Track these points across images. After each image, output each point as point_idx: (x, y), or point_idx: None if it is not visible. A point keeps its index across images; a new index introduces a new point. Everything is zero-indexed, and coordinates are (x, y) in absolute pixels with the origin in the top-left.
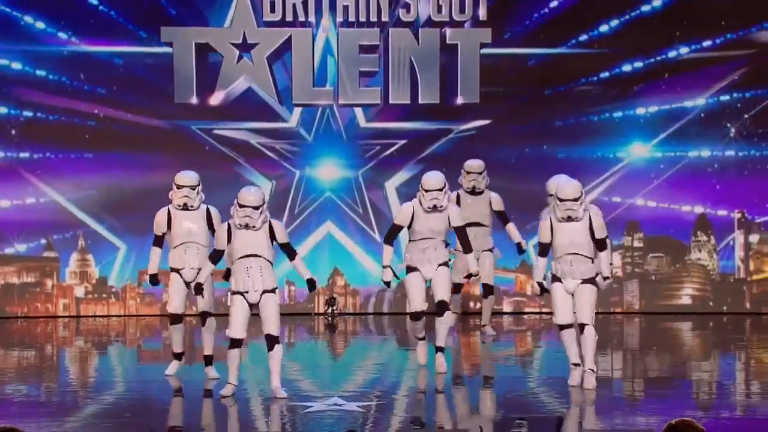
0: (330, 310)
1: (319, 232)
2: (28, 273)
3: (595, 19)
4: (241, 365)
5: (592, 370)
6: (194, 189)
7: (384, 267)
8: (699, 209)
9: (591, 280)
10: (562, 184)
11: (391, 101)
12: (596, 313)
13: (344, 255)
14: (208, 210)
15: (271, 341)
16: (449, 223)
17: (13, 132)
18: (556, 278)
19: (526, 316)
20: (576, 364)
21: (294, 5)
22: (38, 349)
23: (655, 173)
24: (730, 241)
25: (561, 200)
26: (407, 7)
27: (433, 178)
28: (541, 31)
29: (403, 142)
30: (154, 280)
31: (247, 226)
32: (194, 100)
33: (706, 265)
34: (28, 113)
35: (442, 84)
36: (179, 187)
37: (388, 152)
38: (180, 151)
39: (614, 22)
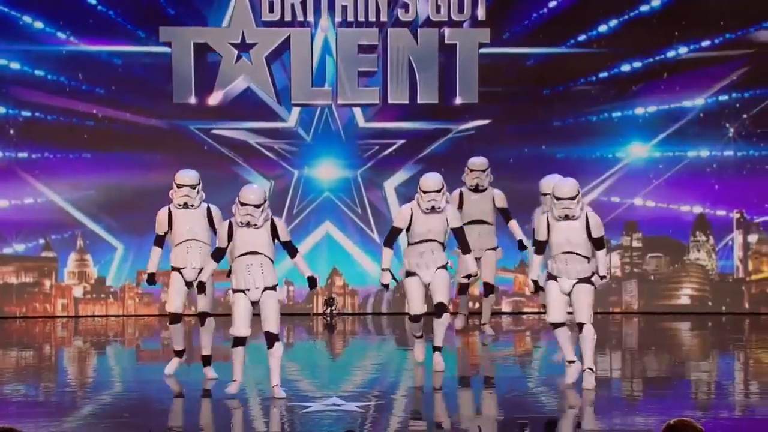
0: (329, 310)
1: (318, 232)
2: (27, 273)
3: (593, 19)
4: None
5: (591, 370)
6: (194, 188)
7: (383, 270)
8: (698, 209)
9: (587, 280)
10: (559, 183)
11: (389, 101)
12: (595, 313)
13: (343, 255)
14: (208, 208)
15: (271, 339)
16: (448, 224)
17: (12, 132)
18: (551, 276)
19: (525, 316)
20: (571, 361)
21: (293, 5)
22: (37, 349)
23: (654, 173)
24: (728, 241)
25: (558, 199)
26: (406, 7)
27: (431, 180)
28: (539, 31)
29: (401, 142)
30: (152, 279)
31: (248, 224)
32: (193, 99)
33: (705, 265)
34: (26, 113)
35: (441, 84)
36: (179, 186)
37: (386, 152)
38: (178, 151)
39: (613, 22)
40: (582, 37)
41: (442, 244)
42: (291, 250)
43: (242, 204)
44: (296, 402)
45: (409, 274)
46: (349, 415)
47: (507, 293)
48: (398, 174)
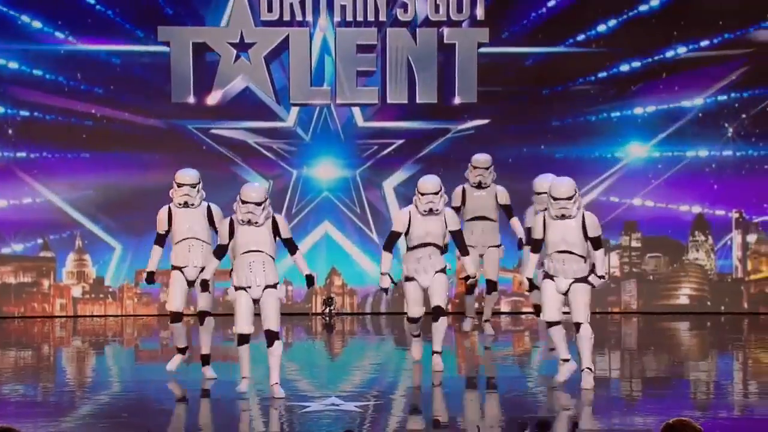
0: (327, 310)
1: (317, 232)
2: (25, 273)
3: (592, 19)
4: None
5: (590, 369)
6: (195, 187)
7: (382, 274)
8: (697, 209)
9: (584, 279)
10: (556, 183)
11: (388, 101)
12: (594, 313)
13: (342, 255)
14: (209, 207)
15: (271, 337)
16: (446, 227)
17: (10, 132)
18: (547, 276)
19: (523, 316)
20: (565, 360)
21: (291, 5)
22: (35, 349)
23: (653, 173)
24: (727, 241)
25: (555, 199)
26: (405, 6)
27: (429, 182)
28: (538, 31)
29: (400, 141)
30: (151, 278)
31: (249, 222)
32: (191, 99)
33: (704, 265)
34: (24, 113)
35: (440, 84)
36: (180, 185)
37: (385, 152)
38: (177, 151)
39: (612, 22)
40: (581, 37)
41: (440, 247)
42: (291, 247)
43: (243, 202)
44: (295, 402)
45: (407, 279)
46: (348, 415)
47: (506, 293)
48: (397, 174)
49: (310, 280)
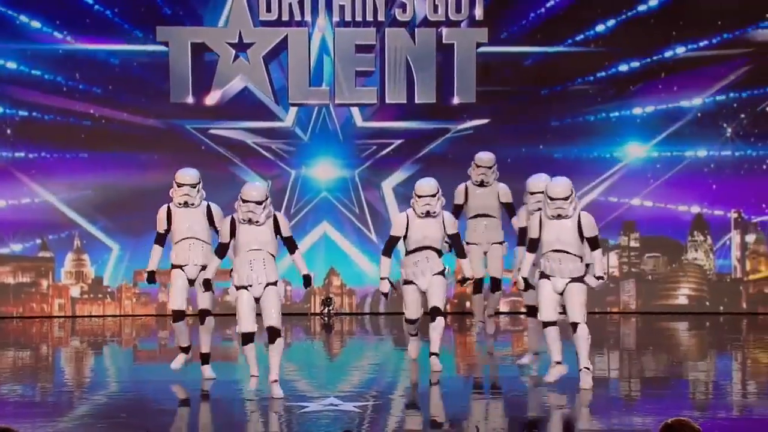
0: (326, 311)
1: (316, 232)
2: (24, 273)
3: (591, 19)
4: (235, 365)
5: (588, 369)
6: (195, 187)
7: (381, 279)
8: (696, 209)
9: (579, 279)
10: (552, 183)
11: (387, 101)
12: (593, 313)
13: (340, 255)
14: (208, 207)
15: (273, 334)
16: (444, 230)
17: (9, 132)
18: (543, 275)
19: (522, 316)
20: (558, 362)
21: (290, 5)
22: (33, 350)
23: (652, 173)
24: (726, 241)
25: (551, 199)
26: (403, 6)
27: (426, 184)
28: (537, 31)
29: (399, 141)
30: (152, 277)
31: (250, 221)
32: (190, 99)
33: (703, 265)
34: (23, 113)
35: (439, 84)
36: (180, 185)
37: (384, 152)
38: (176, 151)
39: (611, 22)
40: (580, 37)
41: (438, 251)
42: (291, 246)
43: (244, 201)
44: (294, 402)
45: (406, 282)
46: (347, 415)
47: (505, 293)
48: (396, 174)
49: (307, 280)
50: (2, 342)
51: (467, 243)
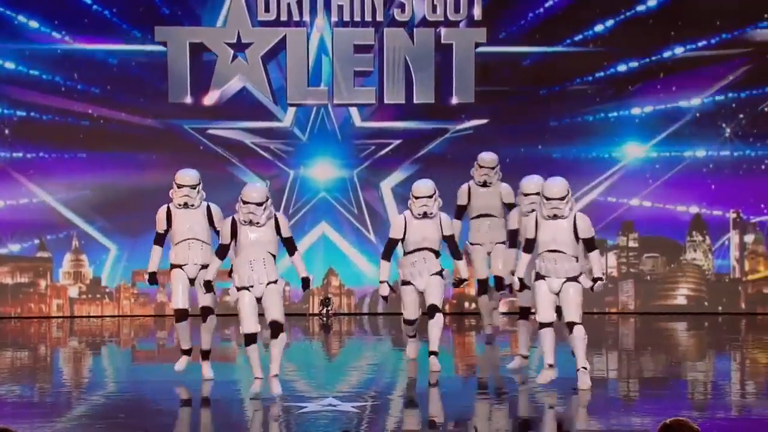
0: (325, 311)
1: (314, 232)
2: (22, 273)
3: (590, 19)
4: (234, 366)
5: (585, 368)
6: (195, 188)
7: (381, 282)
8: (694, 209)
9: (575, 279)
10: (549, 183)
11: (386, 101)
12: (592, 313)
13: (339, 255)
14: (208, 207)
15: (276, 328)
16: (442, 231)
17: (7, 132)
18: (539, 276)
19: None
20: (550, 365)
21: (288, 5)
22: (32, 350)
23: (651, 173)
24: (725, 241)
25: (547, 199)
26: (402, 6)
27: (423, 185)
28: (536, 31)
29: (398, 141)
30: (153, 279)
31: (251, 222)
32: (188, 99)
33: (702, 265)
34: (21, 113)
35: (437, 84)
36: (180, 186)
37: (383, 152)
38: (174, 151)
39: (609, 22)
40: (578, 37)
41: (436, 251)
42: (290, 247)
43: (244, 202)
44: (292, 402)
45: (404, 282)
46: (345, 416)
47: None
48: (395, 174)
49: (306, 282)
50: (0, 342)
51: (471, 243)
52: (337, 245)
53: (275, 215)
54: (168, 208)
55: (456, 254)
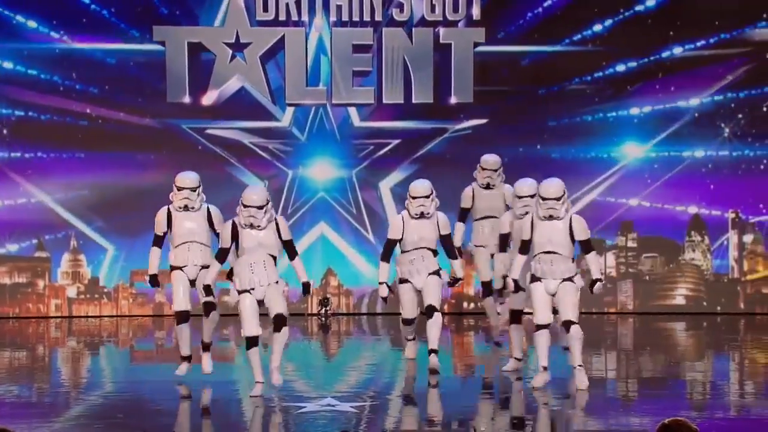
0: (323, 311)
1: (313, 232)
2: (20, 273)
3: (589, 19)
4: (233, 366)
5: (581, 366)
6: (195, 190)
7: (380, 284)
8: (693, 209)
9: (570, 279)
10: (545, 183)
11: (384, 101)
12: (590, 313)
13: (337, 255)
14: (208, 210)
15: (280, 322)
16: (438, 230)
17: (5, 132)
18: (535, 278)
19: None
20: (545, 368)
21: (287, 5)
22: (30, 350)
23: (649, 173)
24: (724, 241)
25: (543, 199)
26: (401, 6)
27: (420, 186)
28: (534, 31)
29: (397, 141)
30: (154, 281)
31: (251, 226)
32: (187, 99)
33: (700, 265)
34: (19, 113)
35: (436, 83)
36: (180, 188)
37: (382, 152)
38: (172, 151)
39: (608, 22)
40: (577, 37)
41: (434, 250)
42: (291, 251)
43: (245, 206)
44: (291, 402)
45: (402, 281)
46: (344, 416)
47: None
48: (393, 174)
49: (306, 287)
50: None
51: (474, 245)
52: (335, 245)
53: (275, 219)
54: (168, 210)
55: (452, 253)
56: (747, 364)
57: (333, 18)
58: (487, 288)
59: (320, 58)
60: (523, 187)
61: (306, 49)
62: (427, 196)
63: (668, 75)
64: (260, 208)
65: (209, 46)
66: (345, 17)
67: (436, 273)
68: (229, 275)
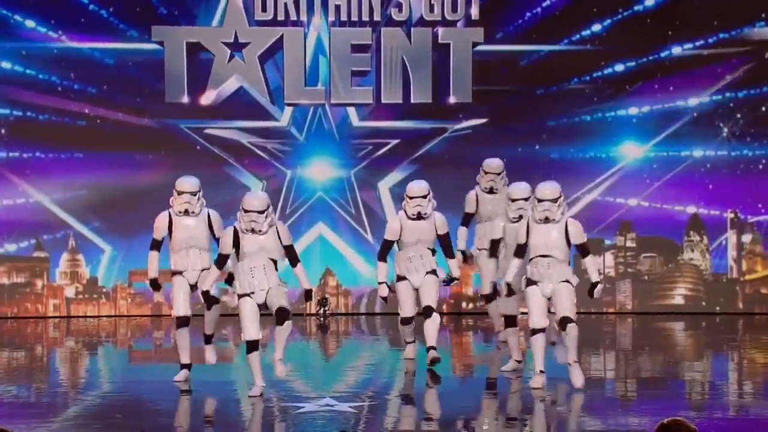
0: (322, 311)
1: (311, 232)
2: (18, 273)
3: (587, 19)
4: (231, 366)
5: (576, 363)
6: (195, 195)
7: (379, 284)
8: (692, 209)
9: (566, 280)
10: (541, 185)
11: (383, 101)
12: (589, 313)
13: (336, 255)
14: (209, 215)
15: (282, 315)
16: (436, 231)
17: (3, 132)
18: (531, 281)
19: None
20: (542, 371)
21: (286, 4)
22: (28, 350)
23: (648, 173)
24: (722, 241)
25: (539, 200)
26: (399, 6)
27: (417, 186)
28: (533, 31)
29: (395, 141)
30: (156, 285)
31: (253, 231)
32: (185, 99)
33: (699, 265)
34: (17, 113)
35: (435, 83)
36: (180, 193)
37: (380, 152)
38: (171, 151)
39: (607, 22)
40: (576, 37)
41: (432, 249)
42: (292, 257)
43: (246, 211)
44: (290, 403)
45: (399, 278)
46: (343, 416)
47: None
48: (392, 174)
49: (308, 294)
50: None
51: (477, 249)
52: (334, 245)
53: (276, 224)
54: (169, 215)
55: (449, 253)
56: (746, 364)
57: (332, 18)
58: (490, 297)
59: (319, 58)
60: (517, 190)
61: (305, 48)
62: (424, 197)
63: (667, 75)
64: (261, 212)
65: (208, 45)
66: (344, 17)
67: (434, 272)
68: (228, 281)
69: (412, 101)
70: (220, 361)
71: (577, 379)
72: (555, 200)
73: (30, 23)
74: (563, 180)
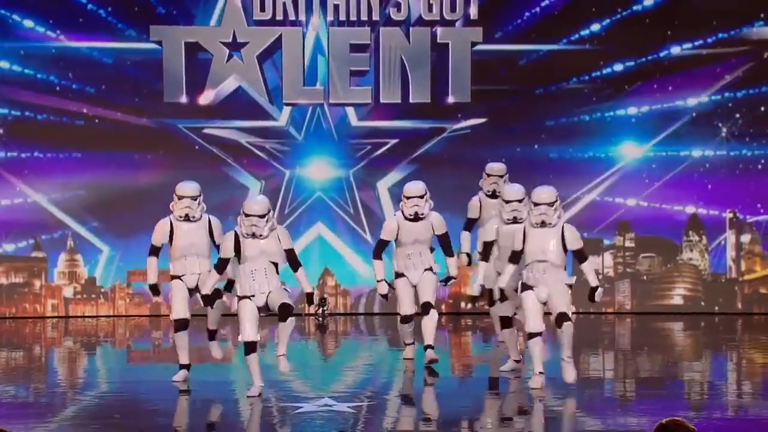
0: (320, 311)
1: (310, 232)
2: (17, 273)
3: (586, 18)
4: (230, 366)
5: (570, 359)
6: (195, 200)
7: (378, 281)
8: (691, 209)
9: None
10: (538, 189)
11: (381, 100)
12: (588, 313)
13: (335, 255)
14: (209, 221)
15: (285, 312)
16: (433, 231)
17: (1, 131)
18: (526, 286)
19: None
20: (541, 372)
21: (284, 4)
22: (26, 350)
23: (647, 173)
24: (721, 241)
25: (536, 204)
26: (398, 6)
27: (414, 186)
28: (532, 30)
29: (394, 141)
30: (155, 290)
31: (254, 235)
32: (184, 99)
33: (698, 265)
34: (15, 112)
35: (433, 83)
36: (180, 197)
37: (379, 152)
38: (169, 151)
39: (606, 21)
40: (575, 36)
41: (430, 247)
42: (293, 261)
43: (246, 215)
44: (288, 403)
45: (397, 275)
46: (341, 416)
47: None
48: (391, 174)
49: (310, 297)
50: None
51: (479, 252)
52: (332, 245)
53: (276, 228)
54: (171, 222)
55: (448, 252)
56: (744, 364)
57: (330, 17)
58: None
59: (317, 58)
60: (511, 192)
61: (303, 48)
62: (421, 197)
63: (666, 75)
64: (262, 217)
65: (206, 45)
66: (342, 17)
67: (431, 270)
68: (228, 287)
69: (411, 101)
70: (218, 362)
71: (569, 374)
72: (551, 204)
73: (28, 23)
74: (562, 180)
